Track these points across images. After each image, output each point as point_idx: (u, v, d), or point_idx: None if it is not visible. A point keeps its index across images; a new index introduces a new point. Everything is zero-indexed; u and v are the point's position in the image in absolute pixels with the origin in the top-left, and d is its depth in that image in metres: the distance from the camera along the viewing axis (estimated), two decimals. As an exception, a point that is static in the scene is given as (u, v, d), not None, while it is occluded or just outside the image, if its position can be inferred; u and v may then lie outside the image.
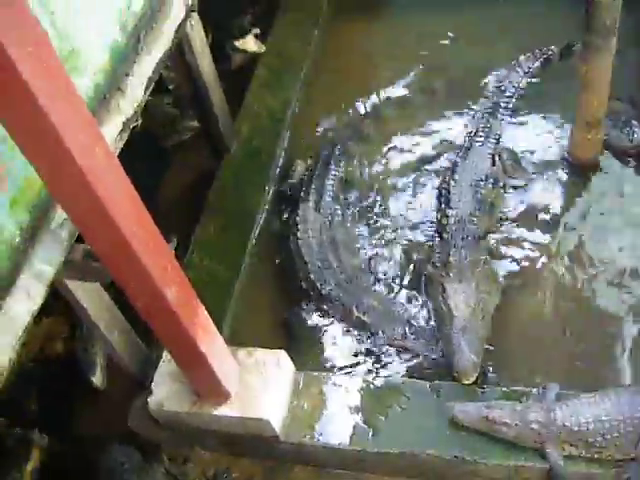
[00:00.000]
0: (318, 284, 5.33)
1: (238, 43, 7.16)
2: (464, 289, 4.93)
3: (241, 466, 4.91)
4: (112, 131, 4.23)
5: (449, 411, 4.35)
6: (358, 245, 5.74)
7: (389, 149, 6.39)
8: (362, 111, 6.76)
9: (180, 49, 5.41)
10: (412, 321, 5.14)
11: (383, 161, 6.33)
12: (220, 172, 6.11)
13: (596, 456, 4.13)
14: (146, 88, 4.55)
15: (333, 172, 6.10)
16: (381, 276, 5.52)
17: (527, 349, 4.96)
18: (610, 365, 4.82)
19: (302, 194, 5.94)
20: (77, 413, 5.48)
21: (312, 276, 5.37)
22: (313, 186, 5.96)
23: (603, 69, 5.11)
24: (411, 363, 5.00)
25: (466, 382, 4.53)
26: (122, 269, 3.58)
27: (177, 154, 6.88)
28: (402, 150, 6.36)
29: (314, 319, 5.32)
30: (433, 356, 4.93)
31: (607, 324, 5.01)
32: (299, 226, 5.64)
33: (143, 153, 6.42)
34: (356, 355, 5.12)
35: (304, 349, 5.19)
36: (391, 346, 5.05)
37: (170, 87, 7.05)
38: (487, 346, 4.81)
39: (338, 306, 5.27)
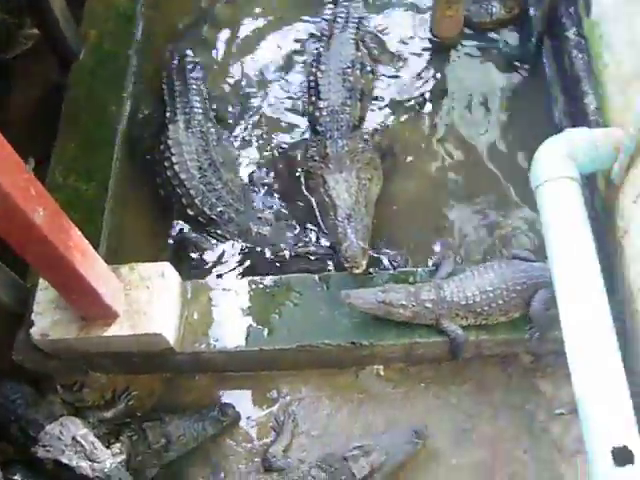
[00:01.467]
0: (206, 209, 5.09)
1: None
2: (345, 178, 4.92)
3: (140, 383, 4.83)
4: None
5: (344, 299, 4.39)
6: (236, 160, 5.54)
7: (246, 48, 6.13)
8: (209, 9, 6.37)
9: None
10: (309, 225, 5.12)
11: (243, 63, 6.07)
12: (71, 82, 5.65)
13: (483, 322, 4.39)
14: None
15: (194, 86, 5.72)
16: (265, 186, 5.41)
17: (409, 230, 5.12)
18: (487, 243, 5.06)
19: (168, 114, 5.52)
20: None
21: (198, 202, 5.10)
22: (178, 105, 5.57)
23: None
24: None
25: (357, 271, 4.59)
26: (-20, 197, 3.28)
27: (21, 66, 6.27)
28: (261, 48, 6.11)
29: (206, 243, 5.12)
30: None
31: (481, 202, 5.23)
32: (173, 150, 5.26)
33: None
34: (257, 269, 5.02)
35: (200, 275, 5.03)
36: (296, 254, 4.98)
37: (1, -8, 6.34)
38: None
39: (233, 226, 5.09)
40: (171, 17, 6.31)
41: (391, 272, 4.71)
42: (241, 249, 5.10)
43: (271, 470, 4.35)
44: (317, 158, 5.15)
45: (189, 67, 5.85)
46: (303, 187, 5.29)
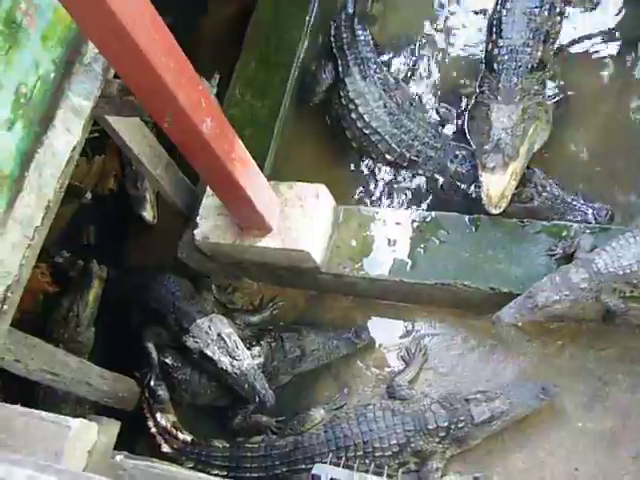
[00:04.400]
0: (405, 151, 5.14)
1: None
2: (510, 109, 4.74)
3: (286, 295, 5.16)
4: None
5: (497, 324, 4.31)
6: (419, 101, 5.53)
7: None
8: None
9: None
10: None
11: (416, 7, 5.90)
12: (259, 5, 5.86)
13: (636, 294, 4.14)
14: None
15: (362, 37, 5.63)
16: (449, 123, 5.38)
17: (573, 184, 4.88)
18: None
19: (341, 69, 5.52)
20: (131, 247, 5.77)
21: (396, 145, 5.16)
22: (349, 57, 5.53)
23: None
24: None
25: (493, 211, 4.48)
26: (155, 103, 3.59)
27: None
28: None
29: (405, 183, 5.25)
30: None
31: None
32: (357, 101, 5.28)
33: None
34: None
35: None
36: None
37: None
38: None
39: (432, 164, 5.11)
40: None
41: (544, 223, 4.54)
42: (435, 185, 5.15)
43: (394, 398, 4.50)
44: (487, 91, 5.01)
45: (357, 17, 5.77)
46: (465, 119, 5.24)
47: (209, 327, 4.71)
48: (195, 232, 4.83)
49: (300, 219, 4.65)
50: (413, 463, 4.33)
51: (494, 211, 4.50)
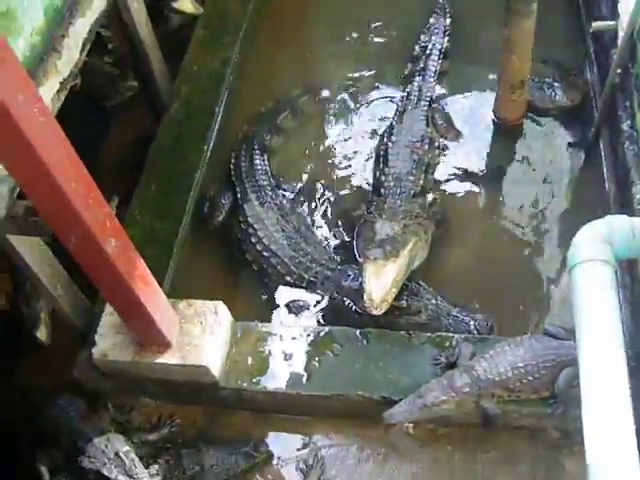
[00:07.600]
0: (303, 273, 5.46)
1: (175, 4, 7.13)
2: (392, 225, 5.22)
3: (184, 412, 5.16)
4: (49, 91, 4.34)
5: (388, 421, 4.53)
6: (312, 223, 5.96)
7: (323, 125, 6.60)
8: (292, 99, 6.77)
9: (116, 9, 5.48)
10: None
11: (314, 137, 6.53)
12: (160, 132, 6.19)
13: (515, 398, 4.51)
14: (82, 49, 4.65)
15: (259, 166, 6.13)
16: (342, 245, 5.80)
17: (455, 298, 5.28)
18: (532, 315, 5.25)
19: (240, 195, 5.97)
20: (24, 366, 5.63)
21: (294, 268, 5.48)
22: (247, 184, 6.01)
23: (525, 33, 5.38)
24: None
25: (375, 311, 4.87)
26: (63, 224, 3.73)
27: (118, 114, 6.95)
28: (336, 138, 6.51)
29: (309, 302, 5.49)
30: None
31: (528, 274, 5.44)
32: (256, 226, 5.66)
33: (84, 113, 6.50)
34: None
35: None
36: None
37: (110, 47, 7.06)
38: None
39: (329, 284, 5.41)
40: (253, 98, 6.82)
41: (430, 335, 4.91)
42: (331, 302, 5.41)
43: (294, 510, 4.58)
44: (374, 211, 5.49)
45: (256, 148, 6.26)
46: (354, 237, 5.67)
47: (106, 446, 4.65)
48: (93, 350, 4.84)
49: (199, 335, 4.79)
50: None
51: (375, 312, 4.88)
